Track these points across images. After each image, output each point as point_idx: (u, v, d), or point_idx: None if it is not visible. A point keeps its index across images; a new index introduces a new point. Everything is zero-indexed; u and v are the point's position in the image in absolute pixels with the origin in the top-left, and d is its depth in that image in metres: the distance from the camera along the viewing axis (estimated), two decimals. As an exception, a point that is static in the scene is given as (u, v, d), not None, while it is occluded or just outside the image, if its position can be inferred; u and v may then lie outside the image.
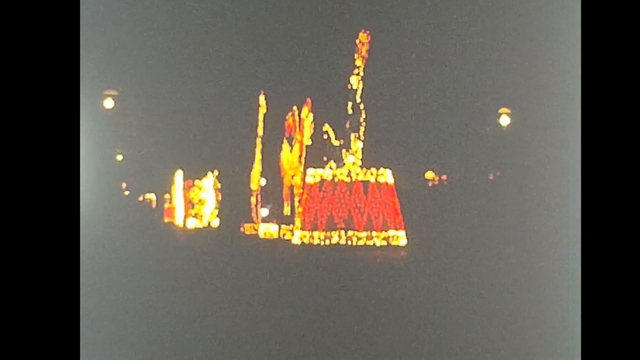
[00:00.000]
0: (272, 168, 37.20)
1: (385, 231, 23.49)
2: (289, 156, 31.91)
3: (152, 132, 48.11)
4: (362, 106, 24.34)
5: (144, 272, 14.25)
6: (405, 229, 24.18)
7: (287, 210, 32.75)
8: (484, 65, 27.49)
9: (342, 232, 23.18)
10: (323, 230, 23.45)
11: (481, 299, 10.15)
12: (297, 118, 31.08)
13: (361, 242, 23.05)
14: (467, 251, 19.81)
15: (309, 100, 29.23)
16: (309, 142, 29.26)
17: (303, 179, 29.96)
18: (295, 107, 31.31)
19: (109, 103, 35.52)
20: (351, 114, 24.65)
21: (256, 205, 39.24)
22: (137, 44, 37.77)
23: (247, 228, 38.04)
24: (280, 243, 28.17)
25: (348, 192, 23.48)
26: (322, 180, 24.04)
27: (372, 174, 23.73)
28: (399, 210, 24.20)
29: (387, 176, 24.05)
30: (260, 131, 38.63)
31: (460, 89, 28.38)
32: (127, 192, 50.14)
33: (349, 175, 23.71)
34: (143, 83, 41.84)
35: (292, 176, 31.39)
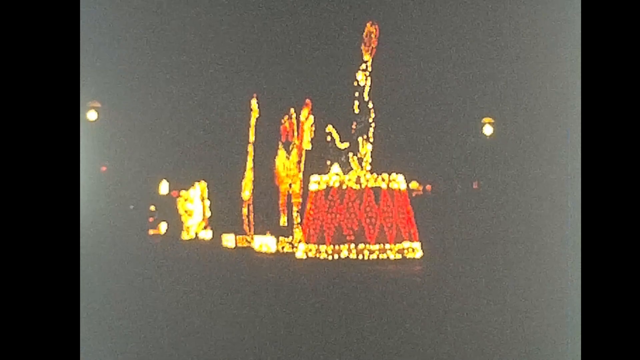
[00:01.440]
0: (265, 176, 34.81)
1: (400, 243, 21.12)
2: (285, 162, 29.52)
3: (136, 141, 45.76)
4: (370, 105, 21.98)
5: (126, 290, 13.42)
6: (420, 239, 21.84)
7: (283, 221, 30.33)
8: (470, 76, 25.23)
9: (352, 245, 20.76)
10: (331, 244, 21.03)
11: (504, 322, 9.33)
12: (294, 121, 28.72)
13: (374, 256, 20.65)
14: (483, 264, 18.49)
15: (308, 101, 26.89)
16: (309, 147, 26.90)
17: (302, 187, 27.62)
18: (292, 110, 28.94)
19: (92, 115, 33.05)
20: (358, 114, 22.30)
21: (248, 216, 36.84)
22: (119, 50, 35.39)
23: (239, 240, 35.59)
24: (282, 257, 25.74)
25: (358, 201, 21.09)
26: (328, 187, 21.64)
27: (383, 179, 21.36)
28: (414, 220, 21.87)
29: (399, 182, 21.71)
30: (252, 137, 36.28)
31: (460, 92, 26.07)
32: (111, 204, 47.58)
33: (358, 181, 21.32)
34: (126, 90, 39.44)
35: (290, 184, 28.99)
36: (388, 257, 20.73)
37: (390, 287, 14.91)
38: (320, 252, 21.13)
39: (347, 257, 20.69)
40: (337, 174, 22.10)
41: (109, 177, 42.33)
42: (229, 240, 36.50)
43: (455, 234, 23.86)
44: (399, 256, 20.88)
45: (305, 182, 27.50)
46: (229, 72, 35.72)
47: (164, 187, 52.99)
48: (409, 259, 21.07)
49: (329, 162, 23.47)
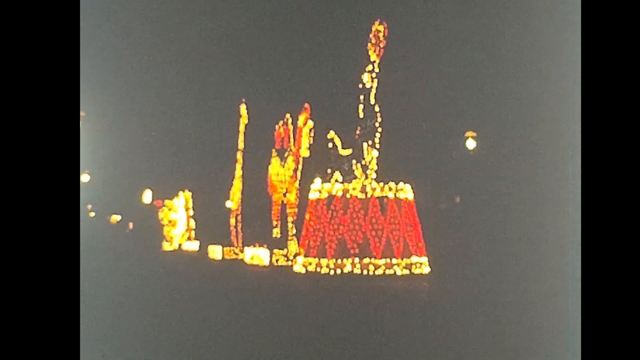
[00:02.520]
0: (255, 185, 33.15)
1: (408, 258, 19.54)
2: (279, 171, 27.88)
3: (119, 149, 43.92)
4: (377, 108, 20.43)
5: (112, 302, 12.79)
6: (428, 254, 20.28)
7: (276, 232, 28.67)
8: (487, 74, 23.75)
9: (356, 259, 19.14)
10: (333, 257, 19.39)
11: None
12: (290, 127, 27.14)
13: (379, 272, 19.04)
14: (492, 280, 17.57)
15: (307, 106, 25.31)
16: (307, 154, 25.31)
17: (299, 197, 26.02)
18: (288, 115, 27.35)
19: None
20: (362, 118, 20.75)
21: (236, 227, 35.13)
22: (102, 56, 33.56)
23: (227, 252, 33.85)
24: (277, 271, 24.09)
25: (363, 211, 19.50)
26: (331, 196, 20.03)
27: (390, 189, 19.79)
28: (421, 233, 20.31)
29: (407, 191, 20.15)
30: (241, 144, 34.63)
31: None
32: (92, 214, 45.73)
33: (363, 190, 19.73)
34: (109, 96, 37.61)
35: (284, 193, 27.35)
36: (395, 273, 19.13)
37: (397, 305, 13.84)
38: (321, 267, 19.49)
39: (351, 272, 19.06)
40: (337, 181, 20.50)
41: (90, 186, 40.43)
42: (215, 251, 34.77)
43: (463, 248, 22.29)
44: (406, 272, 19.30)
45: (302, 191, 25.94)
46: (216, 76, 33.91)
47: (147, 196, 51.20)
48: (417, 275, 19.49)
49: (329, 170, 21.90)
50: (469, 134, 23.89)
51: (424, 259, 20.01)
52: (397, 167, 21.03)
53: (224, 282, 20.67)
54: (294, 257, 25.32)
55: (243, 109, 33.59)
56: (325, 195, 20.08)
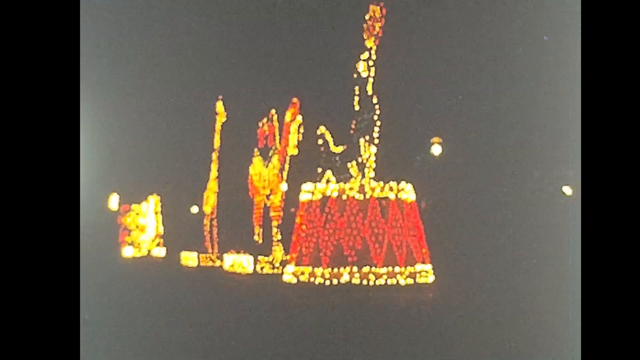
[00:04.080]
0: (232, 187, 30.98)
1: (412, 266, 17.54)
2: (262, 171, 25.80)
3: (83, 150, 41.29)
4: (375, 100, 18.41)
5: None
6: (432, 262, 18.33)
7: (258, 238, 26.56)
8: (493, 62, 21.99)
9: (355, 267, 17.07)
10: (328, 266, 17.30)
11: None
12: (275, 124, 25.08)
13: (381, 281, 17.00)
14: (500, 288, 16.64)
15: (296, 100, 23.29)
16: (295, 152, 23.27)
17: (284, 199, 23.98)
18: (273, 111, 25.27)
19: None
20: (358, 111, 18.73)
21: (210, 232, 32.95)
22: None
23: (202, 259, 31.65)
24: (262, 280, 22.04)
25: (361, 214, 17.44)
26: (325, 197, 17.93)
27: (391, 189, 17.77)
28: (424, 238, 18.34)
29: (409, 192, 18.16)
30: (216, 143, 32.46)
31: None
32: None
33: (361, 190, 17.67)
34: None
35: (268, 195, 25.26)
36: (398, 283, 17.10)
37: (399, 317, 12.71)
38: (315, 276, 17.39)
39: (349, 282, 16.99)
40: (335, 182, 18.47)
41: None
42: (190, 258, 32.53)
43: (469, 255, 20.42)
44: (410, 281, 17.29)
45: (289, 192, 23.91)
46: (190, 70, 31.54)
47: (113, 201, 48.74)
48: (421, 284, 17.52)
49: (320, 169, 19.88)
50: (434, 140, 22.02)
51: (428, 267, 18.04)
52: (397, 165, 19.03)
53: (203, 291, 18.93)
54: (281, 264, 23.27)
55: (220, 106, 31.44)
56: (318, 196, 17.99)
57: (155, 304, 15.32)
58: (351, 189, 17.64)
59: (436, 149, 21.97)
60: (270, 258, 24.19)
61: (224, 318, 12.46)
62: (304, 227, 18.16)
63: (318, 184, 18.37)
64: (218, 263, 30.13)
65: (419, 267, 17.64)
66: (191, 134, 37.01)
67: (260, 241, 26.42)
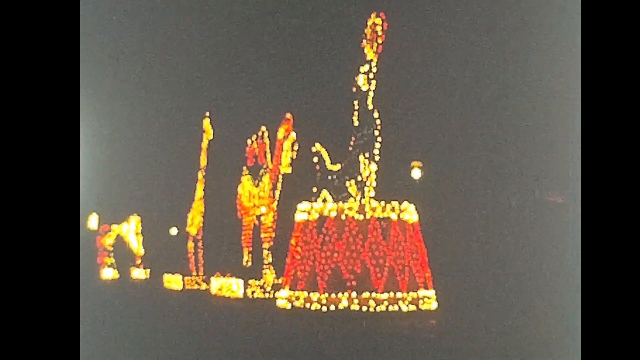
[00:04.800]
0: (219, 207, 29.86)
1: (414, 291, 16.45)
2: (252, 190, 24.69)
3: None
4: (375, 114, 17.42)
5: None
6: (435, 287, 17.26)
7: (247, 260, 25.38)
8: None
9: (354, 293, 15.95)
10: (325, 291, 16.17)
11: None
12: (266, 141, 24.03)
13: (382, 308, 15.88)
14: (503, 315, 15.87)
15: (289, 116, 22.28)
16: (289, 170, 22.22)
17: (276, 219, 22.88)
18: (264, 128, 24.24)
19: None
20: (358, 127, 17.73)
21: (195, 254, 31.73)
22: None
23: (188, 282, 30.39)
24: (253, 306, 20.88)
25: (361, 235, 16.35)
26: (322, 217, 16.83)
27: (393, 209, 16.71)
28: (427, 261, 17.28)
29: (411, 212, 17.12)
30: (203, 162, 31.34)
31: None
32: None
33: (361, 210, 16.59)
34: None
35: (259, 215, 24.13)
36: (400, 309, 15.99)
37: (401, 346, 11.89)
38: (311, 302, 16.23)
39: (347, 308, 15.85)
40: (331, 201, 17.39)
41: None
42: (173, 281, 31.25)
43: (470, 279, 19.38)
44: (413, 308, 16.19)
45: (281, 212, 22.83)
46: (176, 85, 30.46)
47: (93, 221, 47.44)
48: (424, 311, 16.43)
49: (315, 189, 18.83)
50: (414, 164, 21.07)
51: (431, 292, 16.96)
52: (398, 183, 17.97)
53: (190, 315, 17.86)
54: (273, 288, 22.13)
55: (207, 123, 30.36)
56: (315, 216, 16.88)
57: (139, 328, 14.41)
58: (350, 208, 16.55)
59: (416, 173, 21.05)
60: (262, 282, 23.00)
61: (214, 344, 11.83)
62: (299, 248, 17.04)
63: (315, 204, 17.28)
64: (204, 286, 28.92)
65: (422, 292, 16.56)
66: (176, 152, 35.85)
67: (250, 263, 25.24)
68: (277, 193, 23.08)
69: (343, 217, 16.51)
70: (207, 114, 30.37)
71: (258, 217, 24.37)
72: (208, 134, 30.56)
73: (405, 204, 16.95)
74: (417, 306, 16.29)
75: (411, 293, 16.29)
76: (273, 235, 23.32)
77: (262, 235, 23.76)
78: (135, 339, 12.48)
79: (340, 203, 16.87)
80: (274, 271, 23.41)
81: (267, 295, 22.59)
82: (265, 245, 23.57)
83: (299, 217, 17.40)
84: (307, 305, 16.22)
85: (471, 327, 14.09)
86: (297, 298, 16.61)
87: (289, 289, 17.09)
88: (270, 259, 23.54)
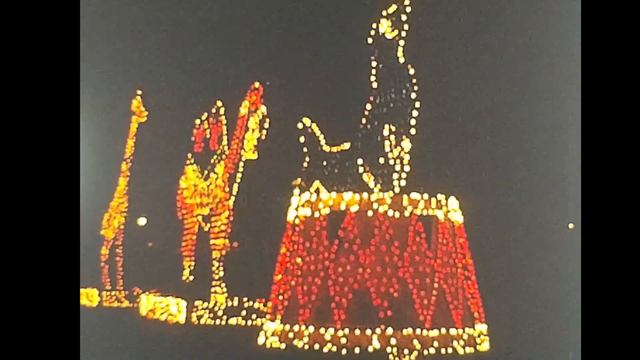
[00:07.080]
0: (152, 205, 24.01)
1: (471, 327, 11.22)
2: (199, 183, 19.02)
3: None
4: (412, 71, 12.16)
5: None
6: (487, 320, 12.07)
7: (186, 274, 19.65)
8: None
9: (389, 329, 10.52)
10: (343, 326, 10.65)
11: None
12: (222, 120, 18.47)
13: (430, 352, 10.53)
14: None
15: (259, 85, 16.89)
16: (255, 156, 16.79)
17: (232, 219, 17.34)
18: (219, 103, 18.67)
19: None
20: (377, 89, 12.45)
21: (110, 262, 25.74)
22: None
23: (105, 298, 24.35)
24: (202, 336, 15.31)
25: (397, 242, 10.94)
26: (336, 214, 11.33)
27: (439, 203, 11.44)
28: (476, 281, 12.08)
29: (456, 210, 11.92)
30: (129, 151, 25.35)
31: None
32: None
33: (397, 204, 11.17)
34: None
35: (210, 215, 18.51)
36: (455, 352, 10.71)
37: None
38: (322, 341, 10.69)
39: (381, 350, 10.43)
40: (354, 191, 11.81)
41: None
42: (89, 296, 25.02)
43: (523, 307, 14.45)
44: (470, 350, 10.94)
45: (238, 211, 17.36)
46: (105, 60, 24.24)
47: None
48: (482, 353, 11.26)
49: (298, 180, 13.56)
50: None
51: (484, 327, 11.78)
52: (438, 171, 12.78)
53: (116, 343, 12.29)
54: (225, 313, 16.60)
55: (137, 103, 24.48)
56: (326, 211, 11.36)
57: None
58: (381, 200, 11.13)
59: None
60: (212, 304, 17.23)
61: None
62: (299, 260, 11.47)
63: (322, 194, 11.78)
64: (126, 303, 22.97)
65: (479, 326, 11.38)
66: (89, 140, 29.47)
67: (190, 279, 19.50)
68: (236, 186, 17.47)
69: (370, 213, 11.07)
70: (139, 92, 24.52)
71: (206, 218, 18.75)
72: (139, 115, 24.67)
73: (452, 198, 11.74)
74: (475, 348, 11.07)
75: (467, 329, 11.05)
76: (227, 241, 17.68)
77: (212, 242, 18.09)
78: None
79: (367, 196, 11.34)
80: (224, 289, 17.93)
81: (218, 322, 16.99)
82: (216, 254, 17.90)
83: (299, 213, 11.84)
84: (316, 346, 10.68)
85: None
86: (297, 335, 11.01)
87: (281, 322, 11.46)
88: (221, 273, 17.95)
